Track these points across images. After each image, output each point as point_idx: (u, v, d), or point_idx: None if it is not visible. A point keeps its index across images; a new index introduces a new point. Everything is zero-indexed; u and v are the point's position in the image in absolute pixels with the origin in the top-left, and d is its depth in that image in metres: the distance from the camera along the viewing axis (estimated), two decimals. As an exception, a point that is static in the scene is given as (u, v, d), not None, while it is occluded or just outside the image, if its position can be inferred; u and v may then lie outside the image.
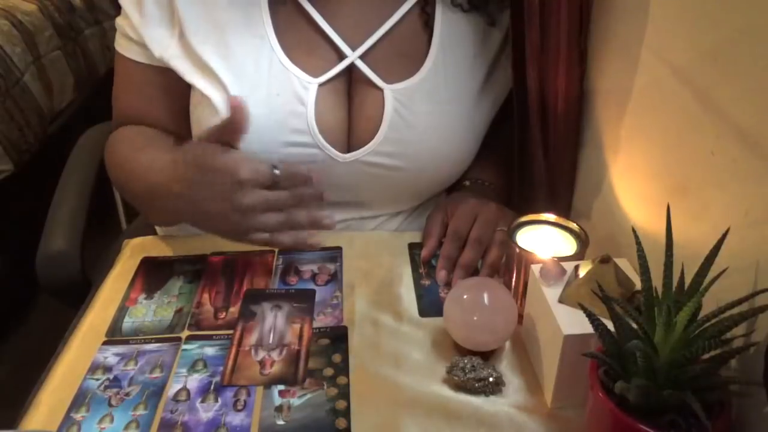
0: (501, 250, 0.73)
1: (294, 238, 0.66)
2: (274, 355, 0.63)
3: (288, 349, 0.64)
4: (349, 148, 0.76)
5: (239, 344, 0.65)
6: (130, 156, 0.76)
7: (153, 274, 0.75)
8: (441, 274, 0.73)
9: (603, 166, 0.70)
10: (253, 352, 0.64)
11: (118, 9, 0.79)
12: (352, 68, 0.75)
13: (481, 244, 0.74)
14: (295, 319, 0.68)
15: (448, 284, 0.73)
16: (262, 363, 0.62)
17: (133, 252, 0.79)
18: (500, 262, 0.73)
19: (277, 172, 0.65)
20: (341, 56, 0.74)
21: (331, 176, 0.76)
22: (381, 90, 0.74)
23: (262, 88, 0.72)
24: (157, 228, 0.93)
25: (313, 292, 0.72)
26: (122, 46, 0.79)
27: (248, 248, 0.78)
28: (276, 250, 0.78)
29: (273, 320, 0.68)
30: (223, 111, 0.72)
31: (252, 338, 0.65)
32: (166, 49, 0.74)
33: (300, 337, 0.65)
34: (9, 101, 1.60)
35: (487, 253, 0.74)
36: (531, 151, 0.80)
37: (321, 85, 0.73)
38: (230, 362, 0.63)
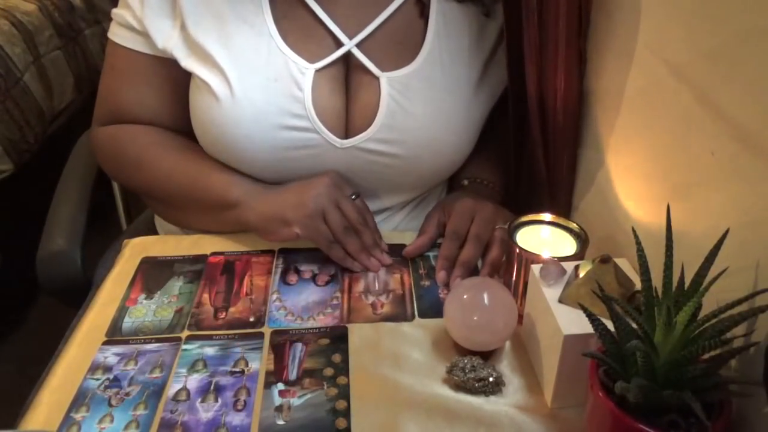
0: (502, 249, 0.73)
1: (365, 265, 0.75)
2: (383, 298, 0.71)
3: (394, 293, 0.72)
4: (347, 134, 0.76)
5: (350, 291, 0.72)
6: (164, 155, 0.80)
7: (153, 274, 0.75)
8: (440, 275, 0.73)
9: (603, 165, 0.70)
10: (363, 297, 0.71)
11: (118, 8, 0.79)
12: (349, 56, 0.76)
13: (480, 241, 0.74)
14: (394, 270, 0.76)
15: (448, 285, 0.73)
16: (373, 305, 0.70)
17: (133, 252, 0.79)
18: (501, 260, 0.73)
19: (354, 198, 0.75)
20: (338, 44, 0.75)
21: (330, 164, 0.77)
22: (377, 78, 0.75)
23: (260, 73, 0.73)
24: (158, 228, 0.93)
25: (403, 246, 0.78)
26: (122, 37, 0.78)
27: (248, 248, 0.79)
28: (276, 249, 0.79)
29: (374, 274, 0.75)
30: (222, 97, 0.72)
31: (359, 286, 0.73)
32: (168, 40, 0.75)
33: (402, 283, 0.73)
34: (9, 101, 1.60)
35: (487, 251, 0.74)
36: (531, 151, 0.80)
37: (318, 71, 0.74)
38: (345, 305, 0.70)
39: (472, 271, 0.73)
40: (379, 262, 0.75)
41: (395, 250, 0.78)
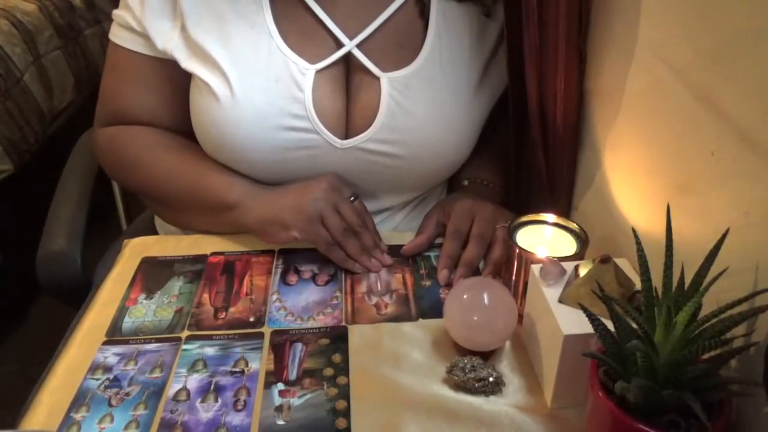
0: (504, 248, 0.73)
1: (365, 266, 0.75)
2: (386, 299, 0.71)
3: (397, 293, 0.72)
4: (347, 135, 0.76)
5: (352, 292, 0.72)
6: (163, 156, 0.80)
7: (153, 274, 0.75)
8: (443, 274, 0.73)
9: (603, 166, 0.70)
10: (366, 298, 0.71)
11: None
12: (349, 57, 0.76)
13: (484, 240, 0.74)
14: (396, 270, 0.75)
15: (450, 285, 0.73)
16: (377, 306, 0.70)
17: (133, 252, 0.79)
18: (503, 259, 0.73)
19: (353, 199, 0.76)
20: (339, 45, 0.75)
21: (331, 164, 0.77)
22: (378, 78, 0.75)
23: (261, 74, 0.73)
24: (158, 228, 0.93)
25: (400, 246, 0.78)
26: (122, 38, 0.78)
27: (248, 248, 0.79)
28: (276, 249, 0.79)
29: (376, 275, 0.75)
30: (222, 98, 0.72)
31: (362, 287, 0.73)
32: (168, 41, 0.75)
33: (404, 283, 0.73)
34: (9, 101, 1.60)
35: (489, 251, 0.74)
36: (531, 151, 0.80)
37: (318, 71, 0.74)
38: (348, 307, 0.70)
39: (475, 271, 0.73)
40: (379, 262, 0.75)
41: (395, 250, 0.78)
